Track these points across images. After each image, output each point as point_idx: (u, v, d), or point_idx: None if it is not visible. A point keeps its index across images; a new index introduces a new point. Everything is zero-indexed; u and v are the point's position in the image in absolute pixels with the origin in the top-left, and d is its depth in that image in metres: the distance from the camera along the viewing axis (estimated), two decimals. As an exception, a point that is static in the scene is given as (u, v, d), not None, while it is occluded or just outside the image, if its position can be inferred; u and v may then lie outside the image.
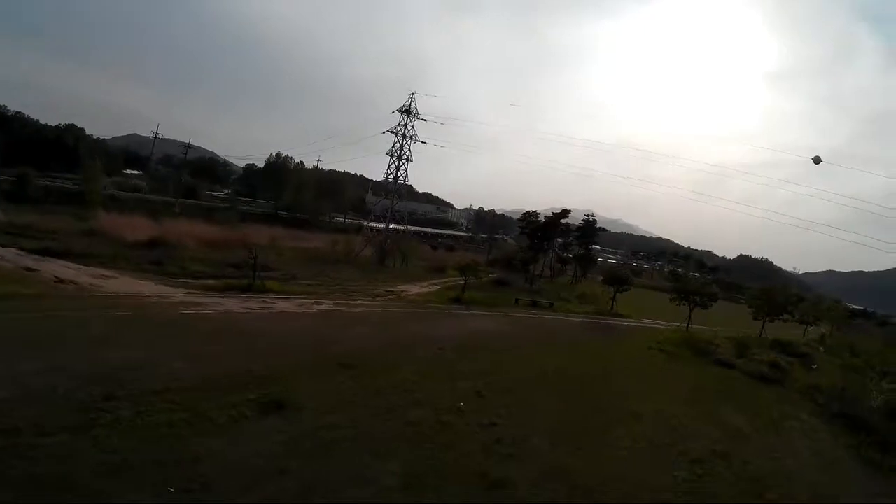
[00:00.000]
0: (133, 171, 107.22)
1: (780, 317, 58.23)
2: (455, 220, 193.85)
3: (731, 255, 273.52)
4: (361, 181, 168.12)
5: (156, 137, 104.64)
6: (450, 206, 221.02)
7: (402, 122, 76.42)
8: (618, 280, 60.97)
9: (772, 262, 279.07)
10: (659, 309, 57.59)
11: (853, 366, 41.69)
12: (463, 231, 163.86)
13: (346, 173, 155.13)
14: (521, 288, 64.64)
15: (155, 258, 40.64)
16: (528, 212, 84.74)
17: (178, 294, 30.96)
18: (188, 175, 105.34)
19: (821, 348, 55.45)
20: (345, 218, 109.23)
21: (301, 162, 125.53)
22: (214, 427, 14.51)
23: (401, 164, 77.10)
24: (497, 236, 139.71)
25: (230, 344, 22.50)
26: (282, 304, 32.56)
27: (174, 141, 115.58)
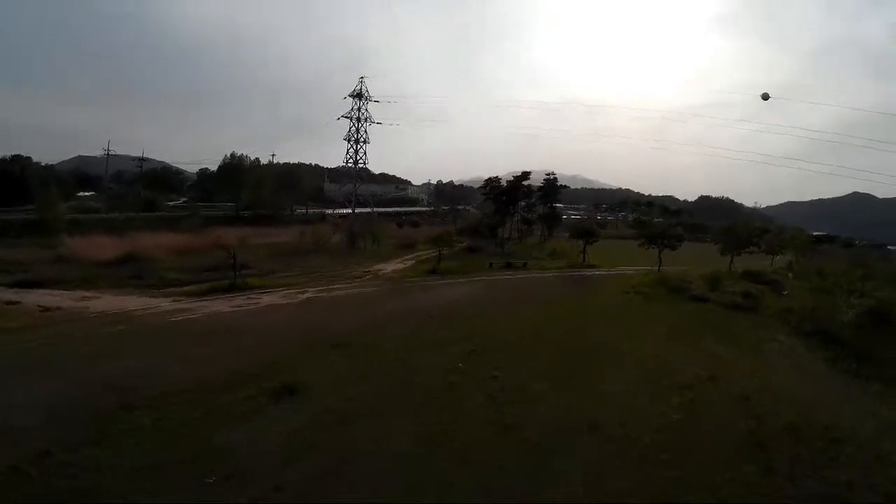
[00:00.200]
0: (86, 193, 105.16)
1: (747, 249, 60.09)
2: (415, 196, 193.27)
3: (692, 198, 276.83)
4: (317, 171, 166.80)
5: (108, 155, 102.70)
6: (408, 183, 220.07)
7: (356, 107, 76.52)
8: (586, 233, 62.02)
9: (732, 200, 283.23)
10: (628, 256, 58.89)
11: (822, 287, 43.10)
12: (425, 206, 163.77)
13: (300, 165, 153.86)
14: (493, 252, 65.19)
15: (131, 273, 40.60)
16: (490, 178, 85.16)
17: (163, 304, 31.24)
18: (143, 188, 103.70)
19: (789, 275, 57.00)
20: (306, 209, 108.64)
21: (257, 159, 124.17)
22: (235, 418, 15.23)
23: (359, 147, 77.36)
24: (459, 207, 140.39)
25: (228, 342, 23.10)
26: (267, 298, 33.13)
27: (124, 156, 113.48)
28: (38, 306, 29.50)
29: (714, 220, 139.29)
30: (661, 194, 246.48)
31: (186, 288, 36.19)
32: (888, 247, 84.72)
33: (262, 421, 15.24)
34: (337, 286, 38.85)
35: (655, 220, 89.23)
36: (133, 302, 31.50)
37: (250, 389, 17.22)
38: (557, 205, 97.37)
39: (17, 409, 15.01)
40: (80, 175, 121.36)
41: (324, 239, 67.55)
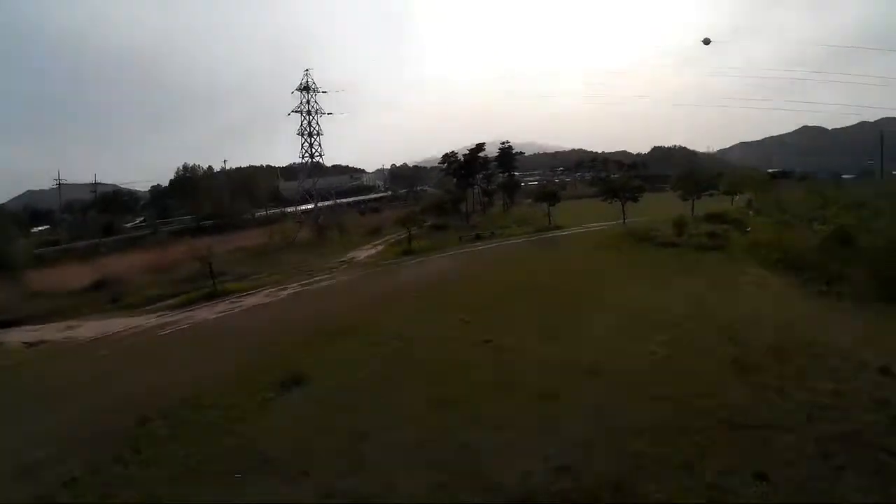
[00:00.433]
0: (41, 228, 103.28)
1: (707, 192, 61.77)
2: (371, 183, 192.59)
3: (645, 150, 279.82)
4: (270, 171, 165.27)
5: (59, 185, 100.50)
6: (362, 171, 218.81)
7: (305, 100, 76.40)
8: (549, 196, 62.93)
9: (685, 147, 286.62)
10: (592, 214, 59.90)
11: (783, 220, 44.45)
12: (382, 192, 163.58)
13: (252, 167, 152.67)
14: (460, 227, 65.99)
15: (108, 297, 40.38)
16: (447, 153, 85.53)
17: (148, 321, 31.31)
18: (98, 213, 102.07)
19: (750, 212, 58.08)
20: (266, 211, 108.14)
21: (210, 167, 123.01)
22: (248, 414, 15.65)
23: (313, 140, 77.26)
24: (416, 189, 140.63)
25: (223, 345, 23.55)
26: (250, 300, 33.42)
27: (74, 185, 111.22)
28: (23, 343, 29.26)
29: (670, 170, 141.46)
30: (614, 150, 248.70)
31: (167, 302, 36.21)
32: (843, 176, 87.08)
33: (275, 413, 15.70)
34: (316, 278, 39.24)
35: (613, 175, 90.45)
36: (118, 324, 31.44)
37: (257, 385, 17.61)
38: (515, 173, 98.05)
39: (31, 442, 15.16)
40: (31, 211, 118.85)
41: (291, 236, 67.72)
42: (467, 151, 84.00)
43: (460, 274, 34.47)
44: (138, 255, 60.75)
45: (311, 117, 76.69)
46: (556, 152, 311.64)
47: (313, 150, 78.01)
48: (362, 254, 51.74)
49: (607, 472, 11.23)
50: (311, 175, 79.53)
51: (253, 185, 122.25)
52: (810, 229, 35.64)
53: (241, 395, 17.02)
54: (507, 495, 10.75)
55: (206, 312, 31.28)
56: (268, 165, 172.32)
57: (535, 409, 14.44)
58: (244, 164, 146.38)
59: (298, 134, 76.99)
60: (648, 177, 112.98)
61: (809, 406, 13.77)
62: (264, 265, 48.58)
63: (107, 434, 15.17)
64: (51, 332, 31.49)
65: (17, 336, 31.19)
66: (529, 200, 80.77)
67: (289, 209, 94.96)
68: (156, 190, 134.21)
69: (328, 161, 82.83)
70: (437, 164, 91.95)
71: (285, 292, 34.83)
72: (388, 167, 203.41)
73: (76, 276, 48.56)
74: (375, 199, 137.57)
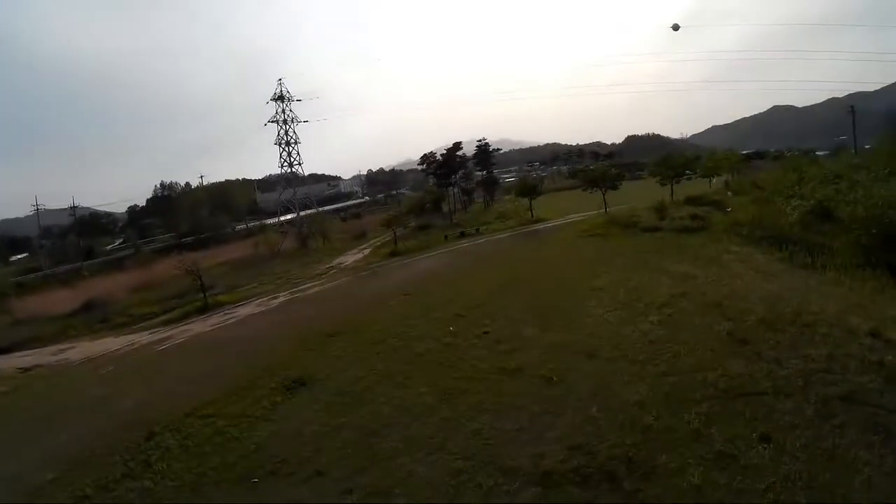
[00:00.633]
0: (20, 256, 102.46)
1: (684, 176, 62.52)
2: (348, 189, 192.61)
3: (619, 140, 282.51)
4: (246, 184, 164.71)
5: (38, 210, 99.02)
6: (338, 178, 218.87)
7: (280, 109, 76.44)
8: (530, 189, 63.15)
9: (659, 135, 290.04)
10: (572, 205, 60.37)
11: (761, 198, 44.95)
12: (360, 198, 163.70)
13: (229, 181, 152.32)
14: (443, 226, 65.99)
15: (98, 318, 40.18)
16: (425, 154, 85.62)
17: (142, 337, 31.21)
18: (77, 237, 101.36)
19: (728, 193, 58.62)
20: (247, 224, 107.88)
21: (187, 184, 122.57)
22: (256, 420, 15.75)
23: (291, 149, 77.29)
24: (394, 192, 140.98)
25: (223, 354, 23.50)
26: (243, 310, 33.33)
27: (49, 211, 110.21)
28: (17, 369, 28.88)
29: (645, 157, 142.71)
30: (588, 142, 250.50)
31: (159, 318, 36.14)
32: (816, 153, 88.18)
33: (283, 416, 15.80)
34: (306, 285, 39.15)
35: (591, 166, 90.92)
36: (112, 343, 31.33)
37: (261, 391, 17.76)
38: (493, 170, 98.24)
39: (38, 465, 15.21)
40: (8, 239, 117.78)
41: (276, 246, 67.77)
42: (444, 151, 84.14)
43: (450, 271, 34.58)
44: (123, 275, 60.86)
45: (287, 126, 76.64)
46: (531, 147, 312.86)
47: (292, 159, 77.91)
48: (349, 258, 51.68)
49: (619, 447, 11.57)
50: (289, 185, 79.44)
51: (231, 199, 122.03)
52: (790, 205, 36.19)
53: (247, 401, 17.10)
54: (524, 477, 11.03)
55: (201, 325, 31.20)
56: (244, 178, 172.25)
57: (539, 393, 14.76)
58: (220, 179, 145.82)
59: (276, 144, 77.08)
60: (624, 165, 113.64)
61: (806, 372, 14.20)
62: (252, 276, 48.49)
63: (115, 451, 15.19)
64: (44, 356, 31.18)
65: (9, 362, 30.82)
66: (509, 196, 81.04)
67: (269, 221, 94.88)
68: (133, 210, 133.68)
69: (305, 170, 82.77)
70: (413, 167, 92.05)
71: (277, 301, 34.75)
72: (365, 172, 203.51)
73: (61, 300, 48.46)
74: (356, 205, 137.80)
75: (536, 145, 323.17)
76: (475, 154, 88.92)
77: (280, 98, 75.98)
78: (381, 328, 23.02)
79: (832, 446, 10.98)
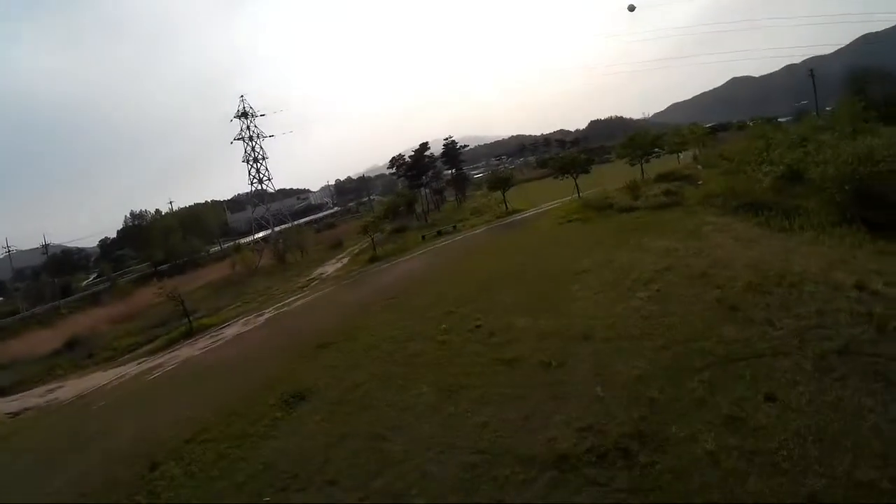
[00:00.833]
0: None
1: (653, 154, 63.03)
2: (319, 201, 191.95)
3: (582, 126, 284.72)
4: (216, 206, 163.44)
5: (10, 253, 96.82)
6: (307, 191, 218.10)
7: (245, 126, 75.84)
8: (502, 181, 63.25)
9: (622, 117, 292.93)
10: (545, 194, 60.72)
11: (731, 168, 45.40)
12: (331, 208, 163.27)
13: (198, 205, 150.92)
14: (419, 227, 66.22)
15: (83, 354, 39.63)
16: (394, 157, 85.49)
17: (131, 369, 30.78)
18: (49, 277, 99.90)
19: (698, 166, 59.28)
20: (220, 245, 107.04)
21: (157, 210, 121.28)
22: (259, 438, 15.59)
23: (259, 165, 76.77)
24: (365, 199, 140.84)
25: (216, 377, 23.22)
26: (230, 331, 33.01)
27: (18, 253, 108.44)
28: (6, 414, 28.24)
29: (610, 141, 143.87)
30: (552, 130, 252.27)
31: (145, 348, 35.77)
32: (778, 119, 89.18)
33: (286, 431, 15.64)
34: (290, 299, 38.84)
35: (560, 154, 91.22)
36: (101, 377, 30.85)
37: (260, 408, 17.59)
38: (462, 167, 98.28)
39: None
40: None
41: (253, 264, 67.36)
42: (412, 153, 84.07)
43: (433, 271, 34.48)
44: (102, 309, 60.24)
45: (253, 142, 76.03)
46: (496, 141, 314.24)
47: (261, 175, 77.30)
48: (330, 268, 51.40)
49: (628, 423, 11.64)
50: (261, 202, 78.95)
51: (202, 222, 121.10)
52: (761, 171, 36.59)
53: (248, 421, 16.92)
54: (540, 464, 11.04)
55: (189, 350, 30.83)
56: (213, 200, 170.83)
57: (540, 380, 14.80)
58: (189, 203, 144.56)
59: (244, 161, 76.28)
60: (590, 150, 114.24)
61: (799, 330, 14.41)
62: (234, 296, 48.16)
63: (119, 485, 15.01)
64: (32, 398, 30.56)
65: (-3, 409, 30.35)
66: (481, 191, 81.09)
67: (243, 240, 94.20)
68: (105, 243, 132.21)
69: (273, 185, 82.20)
70: (381, 173, 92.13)
71: (263, 317, 34.44)
72: (333, 183, 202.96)
73: (43, 341, 47.72)
74: (329, 216, 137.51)
75: (502, 139, 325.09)
76: (443, 153, 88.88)
77: (244, 115, 75.35)
78: (373, 333, 22.91)
79: (836, 398, 11.18)
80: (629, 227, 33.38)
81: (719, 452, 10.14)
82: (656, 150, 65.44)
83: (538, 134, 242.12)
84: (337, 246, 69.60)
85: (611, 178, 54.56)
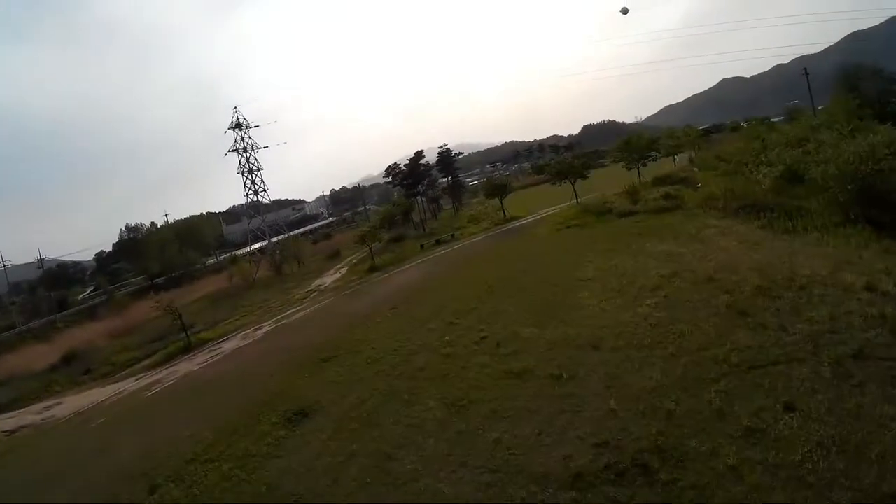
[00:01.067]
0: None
1: (649, 156, 62.98)
2: (314, 211, 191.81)
3: (575, 131, 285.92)
4: (212, 218, 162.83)
5: (5, 267, 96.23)
6: (303, 201, 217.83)
7: (239, 137, 75.62)
8: (500, 188, 62.66)
9: (614, 121, 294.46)
10: (542, 200, 60.58)
11: (728, 171, 45.36)
12: (327, 218, 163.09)
13: (193, 217, 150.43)
14: (416, 235, 65.80)
15: (80, 369, 39.31)
16: (390, 165, 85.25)
17: (129, 385, 30.41)
18: (46, 290, 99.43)
19: (695, 169, 59.35)
20: (217, 257, 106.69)
21: (152, 223, 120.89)
22: (263, 458, 15.20)
23: (254, 176, 76.45)
24: (361, 208, 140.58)
25: (215, 394, 22.87)
26: (228, 345, 32.62)
27: (14, 267, 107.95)
28: (2, 432, 27.93)
29: (604, 145, 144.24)
30: (545, 136, 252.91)
31: (143, 363, 35.39)
32: (770, 119, 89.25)
33: (291, 450, 15.23)
34: (289, 311, 38.43)
35: (554, 159, 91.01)
36: (98, 394, 30.50)
37: (263, 426, 17.21)
38: (458, 174, 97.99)
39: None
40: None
41: (250, 276, 67.04)
42: (407, 161, 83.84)
43: (433, 280, 34.08)
44: (99, 323, 59.94)
45: (248, 154, 75.72)
46: (490, 148, 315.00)
47: (256, 187, 76.95)
48: (328, 279, 50.96)
49: (645, 437, 11.29)
50: (256, 213, 78.66)
51: (198, 234, 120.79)
52: (760, 173, 36.46)
53: (250, 439, 16.55)
54: (556, 482, 10.69)
55: (188, 365, 30.42)
56: (208, 212, 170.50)
57: (552, 393, 14.40)
58: (185, 215, 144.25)
59: (239, 173, 76.05)
60: (584, 155, 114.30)
61: (812, 335, 14.12)
62: (231, 309, 47.81)
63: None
64: (28, 415, 30.20)
65: (-6, 427, 29.90)
66: (477, 199, 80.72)
67: (239, 252, 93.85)
68: (101, 256, 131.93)
69: (269, 196, 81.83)
70: (375, 182, 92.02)
71: (262, 330, 33.98)
72: (328, 193, 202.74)
73: (40, 356, 47.45)
74: (325, 226, 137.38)
75: (495, 145, 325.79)
76: (438, 161, 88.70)
77: (238, 126, 75.14)
78: (376, 346, 22.49)
79: (856, 406, 10.89)
80: (630, 231, 33.10)
81: (742, 467, 9.82)
82: (652, 153, 65.39)
83: (531, 140, 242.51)
84: (334, 256, 69.46)
85: (607, 182, 54.39)
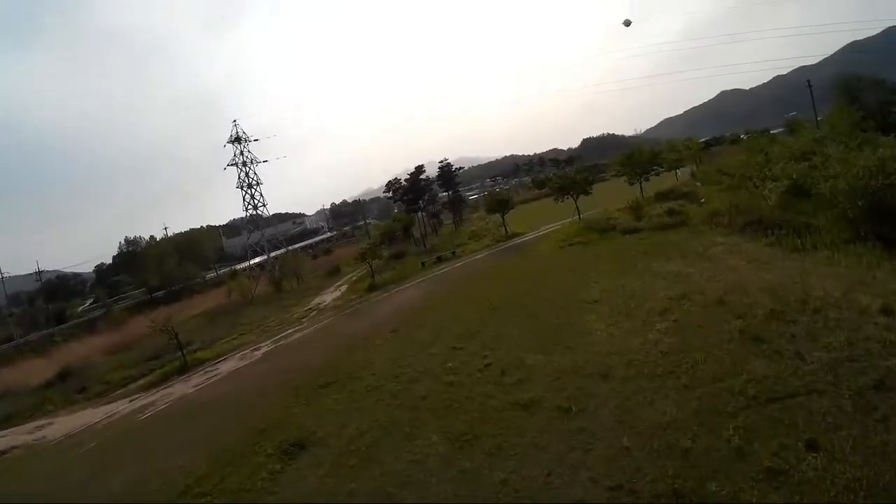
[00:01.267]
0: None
1: (652, 170, 62.50)
2: (314, 225, 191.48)
3: (575, 144, 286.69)
4: (211, 231, 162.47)
5: (3, 279, 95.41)
6: (303, 215, 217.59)
7: (238, 151, 75.18)
8: (501, 204, 61.89)
9: (613, 134, 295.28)
10: (545, 215, 60.17)
11: (732, 185, 44.84)
12: (327, 233, 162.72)
13: (193, 230, 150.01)
14: (417, 252, 65.25)
15: (75, 387, 38.82)
16: (390, 180, 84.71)
17: (122, 407, 29.72)
18: (45, 302, 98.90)
19: (697, 183, 59.01)
20: (217, 271, 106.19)
21: (152, 237, 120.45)
22: (259, 493, 14.62)
23: (253, 191, 75.99)
24: (361, 223, 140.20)
25: (211, 419, 22.23)
26: (225, 366, 31.97)
27: (12, 278, 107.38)
28: (-6, 452, 27.52)
29: (603, 158, 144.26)
30: (545, 150, 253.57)
31: (138, 383, 34.76)
32: (770, 131, 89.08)
33: (287, 485, 14.65)
34: (287, 331, 37.79)
35: (558, 174, 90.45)
36: (91, 415, 29.83)
37: (258, 458, 16.63)
38: (458, 189, 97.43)
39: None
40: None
41: (249, 292, 66.53)
42: (408, 176, 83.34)
43: (435, 300, 33.41)
44: (96, 338, 59.63)
45: (247, 168, 75.26)
46: (490, 162, 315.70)
47: (256, 201, 76.46)
48: (328, 297, 50.24)
49: (661, 480, 10.64)
50: (256, 228, 78.08)
51: (198, 248, 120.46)
52: (764, 187, 35.86)
53: (245, 472, 15.93)
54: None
55: (183, 387, 29.76)
56: (209, 226, 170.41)
57: (561, 427, 13.76)
58: (185, 228, 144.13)
59: (238, 187, 75.48)
60: (585, 168, 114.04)
61: (831, 363, 13.54)
62: (229, 326, 47.22)
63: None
64: (19, 435, 29.56)
65: (-17, 446, 29.29)
66: (477, 213, 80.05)
67: (238, 266, 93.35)
68: (101, 268, 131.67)
69: (268, 210, 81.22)
70: (375, 196, 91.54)
71: (260, 352, 33.27)
72: (328, 207, 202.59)
73: (37, 370, 47.25)
74: (325, 241, 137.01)
75: (495, 159, 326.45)
76: (438, 175, 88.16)
77: (237, 140, 74.66)
78: (376, 371, 21.88)
79: (881, 443, 10.31)
80: (635, 249, 32.61)
81: (765, 513, 9.21)
82: (655, 167, 64.91)
83: (531, 153, 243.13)
84: (334, 273, 68.99)
85: (609, 197, 53.96)
